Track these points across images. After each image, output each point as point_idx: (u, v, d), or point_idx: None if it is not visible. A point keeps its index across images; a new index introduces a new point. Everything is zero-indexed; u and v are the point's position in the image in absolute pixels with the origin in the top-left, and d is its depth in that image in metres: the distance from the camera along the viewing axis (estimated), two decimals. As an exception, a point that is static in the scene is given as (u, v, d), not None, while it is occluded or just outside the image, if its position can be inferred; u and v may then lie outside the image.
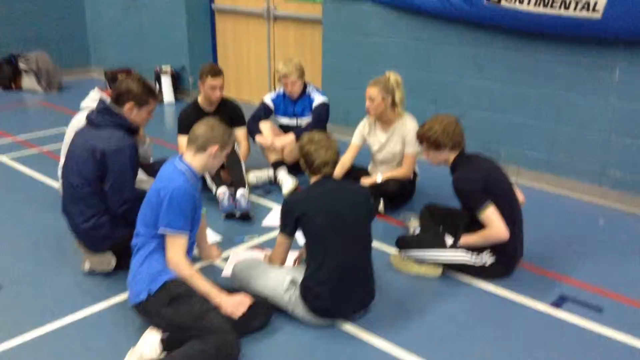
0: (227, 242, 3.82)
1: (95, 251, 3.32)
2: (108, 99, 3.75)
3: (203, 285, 2.80)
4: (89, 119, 3.30)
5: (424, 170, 4.55)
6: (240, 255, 3.62)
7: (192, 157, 2.96)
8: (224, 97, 4.72)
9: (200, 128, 2.98)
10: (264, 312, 2.90)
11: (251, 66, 7.46)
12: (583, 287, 3.35)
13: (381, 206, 4.22)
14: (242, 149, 4.76)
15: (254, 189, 4.70)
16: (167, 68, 7.59)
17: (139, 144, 4.18)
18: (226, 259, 3.58)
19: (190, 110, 4.64)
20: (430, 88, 5.36)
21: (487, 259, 3.32)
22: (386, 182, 4.20)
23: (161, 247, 2.84)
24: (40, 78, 8.01)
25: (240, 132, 4.82)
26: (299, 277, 2.96)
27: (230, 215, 4.17)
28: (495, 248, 3.30)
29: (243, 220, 4.14)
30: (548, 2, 4.26)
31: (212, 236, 3.84)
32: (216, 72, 4.51)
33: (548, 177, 4.84)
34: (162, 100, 7.44)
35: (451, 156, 3.37)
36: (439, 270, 3.42)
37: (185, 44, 7.56)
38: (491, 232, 3.22)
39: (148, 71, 7.63)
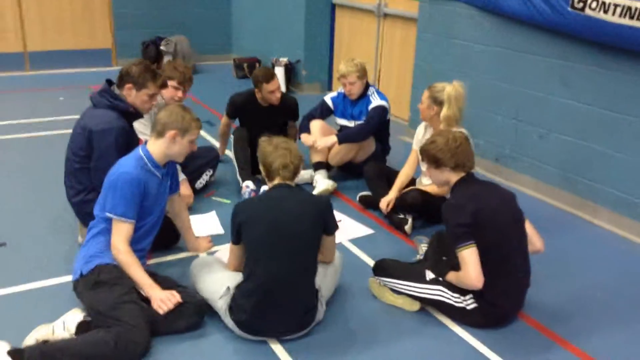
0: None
1: (85, 225, 3.47)
2: None
3: (138, 274, 2.78)
4: (90, 98, 3.44)
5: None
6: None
7: (152, 143, 2.95)
8: (281, 93, 4.68)
9: (161, 113, 2.95)
10: (193, 313, 2.79)
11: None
12: None
13: (408, 226, 3.87)
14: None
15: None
16: (282, 60, 7.72)
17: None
18: (213, 253, 3.53)
19: (245, 96, 4.65)
20: (512, 101, 4.77)
21: (469, 302, 2.86)
22: (407, 192, 3.84)
23: (107, 231, 2.87)
24: (176, 60, 8.62)
25: (292, 128, 4.73)
26: (239, 286, 2.80)
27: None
28: (479, 294, 2.83)
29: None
30: (635, 13, 3.52)
31: (215, 228, 3.82)
32: (270, 76, 4.45)
33: (628, 222, 4.03)
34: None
35: (453, 178, 2.95)
36: (415, 306, 3.03)
37: (302, 37, 7.62)
38: (463, 275, 2.77)
39: (268, 62, 7.85)
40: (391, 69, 6.70)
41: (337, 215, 4.05)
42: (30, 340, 2.57)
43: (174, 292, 2.77)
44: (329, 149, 4.53)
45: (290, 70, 7.75)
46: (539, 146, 4.59)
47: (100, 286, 2.71)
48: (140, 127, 3.87)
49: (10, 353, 2.45)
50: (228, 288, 2.78)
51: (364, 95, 4.61)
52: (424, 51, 5.64)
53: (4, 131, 5.73)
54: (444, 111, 3.69)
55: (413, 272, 3.02)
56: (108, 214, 2.82)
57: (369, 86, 4.66)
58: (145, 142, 3.00)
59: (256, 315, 2.68)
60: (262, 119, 4.54)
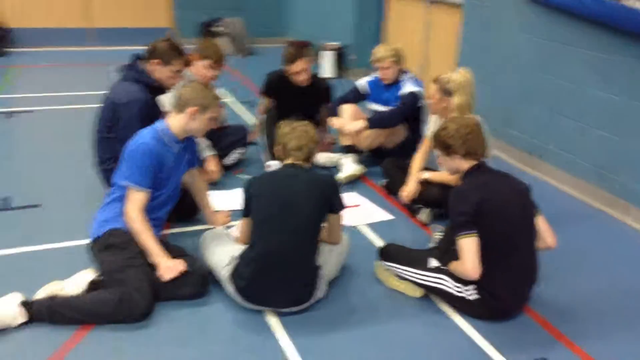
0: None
1: (111, 192, 3.64)
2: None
3: (148, 242, 2.89)
4: (119, 71, 3.58)
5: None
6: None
7: (173, 118, 3.05)
8: (315, 74, 4.71)
9: (184, 89, 3.05)
10: (196, 282, 2.89)
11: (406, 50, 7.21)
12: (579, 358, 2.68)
13: (425, 216, 3.85)
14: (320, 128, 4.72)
15: (321, 169, 4.62)
16: (332, 44, 7.74)
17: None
18: (230, 227, 3.62)
19: (278, 76, 4.70)
20: (551, 94, 4.63)
21: (471, 292, 2.83)
22: (430, 188, 3.80)
23: (123, 198, 2.99)
24: (231, 42, 8.78)
25: (323, 111, 4.76)
26: (245, 255, 2.89)
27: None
28: (480, 285, 2.79)
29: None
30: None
31: (236, 204, 3.90)
32: (292, 58, 4.44)
33: (662, 223, 3.88)
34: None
35: (464, 165, 2.91)
36: (418, 292, 3.02)
37: (351, 22, 7.61)
38: (460, 264, 2.74)
39: (316, 46, 7.90)
40: (438, 56, 6.61)
41: (358, 199, 4.13)
42: (41, 294, 2.74)
43: (180, 261, 2.88)
44: (359, 133, 4.54)
45: (339, 55, 7.76)
46: (575, 141, 4.44)
47: (110, 249, 2.86)
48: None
49: (22, 304, 2.63)
50: (232, 257, 2.87)
51: (398, 81, 4.58)
52: (469, 39, 5.54)
53: (59, 102, 6.05)
54: (456, 100, 3.62)
55: (417, 259, 3.01)
56: (124, 182, 2.95)
57: (404, 72, 4.63)
58: (165, 117, 3.10)
59: (254, 283, 2.76)
60: (293, 99, 4.59)
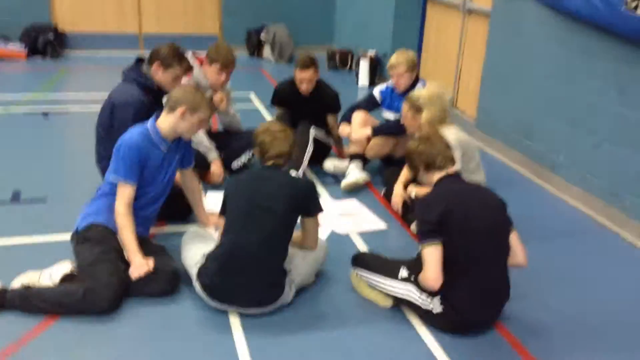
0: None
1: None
2: (198, 65, 4.19)
3: (126, 238, 2.98)
4: (122, 73, 3.72)
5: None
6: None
7: (163, 118, 3.14)
8: (323, 83, 4.73)
9: (174, 91, 3.14)
10: (164, 281, 2.95)
11: (440, 58, 7.13)
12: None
13: (414, 226, 3.78)
14: (333, 136, 4.74)
15: (327, 176, 4.63)
16: (368, 52, 7.71)
17: (222, 115, 4.52)
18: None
19: (287, 85, 4.76)
20: (569, 106, 4.45)
21: (436, 305, 2.76)
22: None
23: (110, 193, 3.10)
24: (274, 49, 8.91)
25: (331, 119, 4.77)
26: (216, 253, 2.93)
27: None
28: (445, 297, 2.72)
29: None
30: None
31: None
32: (305, 65, 4.51)
33: (674, 245, 3.63)
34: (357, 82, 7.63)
35: (432, 178, 2.88)
36: (388, 302, 2.97)
37: (390, 31, 7.57)
38: (422, 274, 2.67)
39: (358, 54, 7.91)
40: (472, 66, 6.46)
41: (356, 207, 4.11)
42: (17, 283, 2.88)
43: (150, 259, 2.96)
44: (366, 141, 4.51)
45: (375, 64, 7.73)
46: (591, 156, 4.24)
47: (86, 242, 2.97)
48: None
49: (-3, 291, 2.77)
50: (204, 255, 2.92)
51: (411, 89, 4.52)
52: (494, 49, 5.41)
53: (96, 103, 6.29)
54: (424, 115, 3.59)
55: (388, 269, 2.96)
56: (111, 177, 3.07)
57: (418, 80, 4.57)
58: (156, 116, 3.18)
59: (218, 280, 2.80)
60: (301, 107, 4.63)
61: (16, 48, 8.25)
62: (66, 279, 2.93)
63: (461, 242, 2.65)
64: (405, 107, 3.76)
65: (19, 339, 2.62)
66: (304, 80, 4.52)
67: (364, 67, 7.67)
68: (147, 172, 3.13)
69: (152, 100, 3.63)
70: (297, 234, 3.06)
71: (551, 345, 2.79)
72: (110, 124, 3.57)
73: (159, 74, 3.61)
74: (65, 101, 6.41)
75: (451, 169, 2.86)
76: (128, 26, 9.11)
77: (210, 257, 2.85)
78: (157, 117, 3.16)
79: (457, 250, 2.65)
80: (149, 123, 3.15)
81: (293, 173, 4.24)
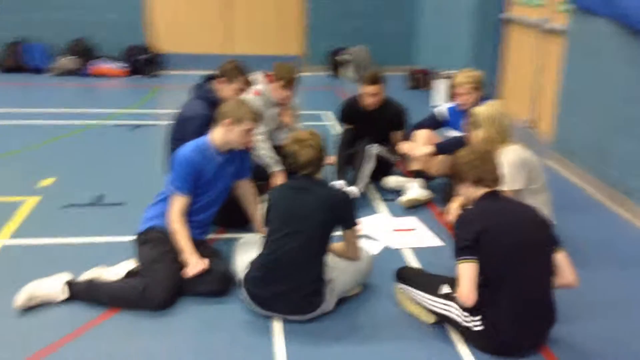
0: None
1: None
2: (263, 84, 4.42)
3: (181, 242, 3.19)
4: (191, 89, 3.98)
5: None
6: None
7: (214, 131, 3.35)
8: (390, 100, 4.81)
9: (223, 104, 3.34)
10: (215, 281, 3.13)
11: (518, 79, 7.01)
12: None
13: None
14: (397, 153, 4.78)
15: (388, 193, 4.68)
16: (445, 73, 7.69)
17: (282, 131, 4.69)
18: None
19: (352, 102, 4.88)
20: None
21: (476, 324, 2.74)
22: None
23: (166, 199, 3.33)
24: (354, 69, 9.07)
25: (395, 136, 4.82)
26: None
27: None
28: (485, 315, 2.70)
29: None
30: None
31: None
32: (372, 81, 4.62)
33: None
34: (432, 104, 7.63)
35: (475, 193, 2.88)
36: (431, 318, 2.98)
37: (469, 52, 7.52)
38: (457, 290, 2.67)
39: (436, 75, 7.92)
40: (549, 86, 6.30)
41: (413, 223, 4.12)
42: (84, 276, 3.15)
43: (205, 260, 3.14)
44: (429, 158, 4.52)
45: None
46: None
47: (147, 243, 3.20)
48: None
49: (67, 283, 3.05)
50: (250, 262, 3.07)
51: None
52: (571, 69, 5.27)
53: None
54: (480, 134, 3.52)
55: (430, 284, 2.97)
56: (169, 187, 3.30)
57: (484, 99, 4.54)
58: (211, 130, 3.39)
59: (260, 287, 2.93)
60: (367, 123, 4.72)
61: (117, 66, 8.92)
62: (129, 276, 3.17)
63: (498, 260, 2.64)
64: (465, 122, 3.73)
65: (81, 326, 2.88)
66: (368, 94, 4.62)
67: (439, 87, 7.65)
68: (202, 182, 3.32)
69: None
70: (341, 244, 3.14)
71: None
72: (180, 137, 3.82)
73: (223, 89, 3.84)
74: (153, 116, 6.86)
75: (495, 187, 2.85)
76: (219, 47, 9.59)
77: (254, 266, 2.99)
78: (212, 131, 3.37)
79: (495, 268, 2.64)
80: (203, 137, 3.36)
81: (353, 189, 4.34)
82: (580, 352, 2.82)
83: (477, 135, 3.58)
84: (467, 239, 2.66)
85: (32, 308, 2.97)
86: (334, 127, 6.44)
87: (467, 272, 2.63)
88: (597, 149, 4.85)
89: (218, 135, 3.32)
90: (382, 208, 4.43)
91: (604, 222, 4.37)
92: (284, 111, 4.60)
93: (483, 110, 3.62)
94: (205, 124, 3.72)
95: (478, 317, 2.73)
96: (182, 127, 3.79)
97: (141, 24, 9.26)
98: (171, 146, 3.92)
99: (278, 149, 4.63)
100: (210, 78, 3.99)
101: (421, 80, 8.60)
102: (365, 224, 4.08)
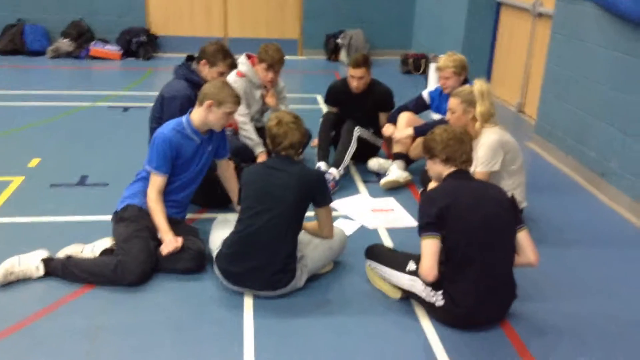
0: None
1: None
2: (247, 65, 4.45)
3: (158, 220, 3.26)
4: (173, 69, 4.02)
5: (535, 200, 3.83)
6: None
7: (195, 111, 3.40)
8: (376, 82, 4.84)
9: (206, 85, 3.38)
10: (190, 259, 3.20)
11: (510, 63, 7.02)
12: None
13: None
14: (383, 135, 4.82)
15: (370, 174, 4.74)
16: (440, 57, 7.68)
17: (272, 111, 4.73)
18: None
19: (339, 85, 4.91)
20: (624, 113, 4.28)
21: (438, 298, 2.81)
22: None
23: (146, 178, 3.40)
24: (350, 53, 9.08)
25: (382, 118, 4.86)
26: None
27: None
28: (446, 290, 2.77)
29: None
30: None
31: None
32: (357, 64, 4.64)
33: None
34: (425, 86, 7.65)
35: (444, 171, 2.94)
36: (397, 294, 3.05)
37: (462, 35, 7.52)
38: (419, 265, 2.74)
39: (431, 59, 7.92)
40: (539, 70, 6.32)
41: (391, 204, 4.18)
42: (61, 253, 3.23)
43: (178, 239, 3.21)
44: (410, 141, 4.57)
45: (446, 68, 7.69)
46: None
47: (123, 221, 3.27)
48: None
49: (43, 260, 3.13)
50: (223, 240, 3.14)
51: (459, 92, 4.54)
52: (555, 53, 5.29)
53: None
54: (478, 108, 3.56)
55: (397, 261, 3.03)
56: (146, 166, 3.37)
57: (467, 82, 4.57)
58: (191, 110, 3.43)
59: (232, 264, 3.01)
60: (353, 105, 4.76)
61: (112, 49, 8.96)
62: (105, 253, 3.25)
63: (460, 237, 2.70)
64: (454, 101, 3.66)
65: (56, 300, 2.96)
66: (354, 77, 4.66)
67: (433, 71, 7.65)
68: (180, 162, 3.38)
69: (198, 95, 3.90)
70: (315, 222, 3.21)
71: (556, 348, 2.76)
72: (160, 116, 3.88)
73: (205, 71, 3.88)
74: (145, 98, 6.90)
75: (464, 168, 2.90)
76: (214, 31, 9.60)
77: (226, 243, 3.06)
78: (191, 111, 3.42)
79: (457, 244, 2.71)
80: (183, 117, 3.41)
81: (334, 170, 4.39)
82: (540, 328, 2.89)
83: (471, 112, 3.61)
84: (430, 214, 2.72)
85: (10, 284, 3.06)
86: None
87: (430, 248, 2.70)
88: (577, 132, 4.88)
89: (198, 116, 3.37)
90: (362, 189, 4.49)
91: (579, 203, 4.42)
92: (268, 93, 4.64)
93: (476, 87, 3.63)
94: (185, 104, 3.77)
95: (439, 292, 2.80)
96: (162, 107, 3.84)
97: (138, 7, 9.28)
98: (152, 125, 3.97)
99: (261, 131, 4.71)
100: (191, 58, 4.03)
101: (414, 64, 8.60)
102: (344, 204, 4.16)
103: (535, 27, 6.38)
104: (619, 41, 4.33)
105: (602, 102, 4.55)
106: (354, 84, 4.69)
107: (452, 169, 2.89)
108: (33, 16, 8.98)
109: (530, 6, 6.39)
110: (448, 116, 3.77)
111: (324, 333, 2.81)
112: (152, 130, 3.97)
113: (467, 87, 3.70)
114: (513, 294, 2.84)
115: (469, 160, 2.93)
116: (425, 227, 2.73)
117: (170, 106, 3.79)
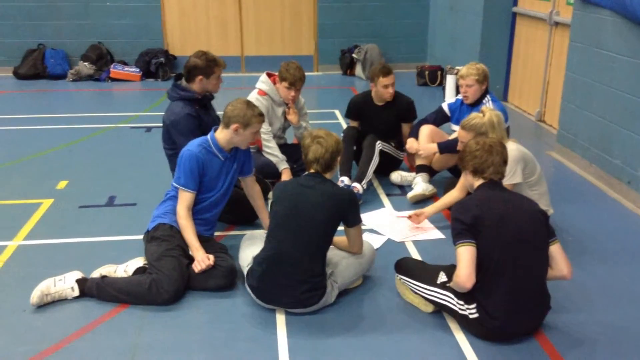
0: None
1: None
2: (270, 84, 4.50)
3: (188, 237, 3.31)
4: (167, 94, 4.08)
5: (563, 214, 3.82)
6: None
7: (220, 131, 3.46)
8: (399, 93, 4.88)
9: (228, 107, 3.44)
10: (221, 276, 3.24)
11: (527, 72, 7.02)
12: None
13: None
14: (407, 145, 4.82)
15: (393, 188, 4.75)
16: (455, 68, 7.71)
17: (294, 128, 4.77)
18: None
19: (361, 99, 4.95)
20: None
21: (472, 311, 2.81)
22: None
23: (175, 197, 3.45)
24: (365, 67, 9.14)
25: (405, 129, 4.88)
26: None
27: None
28: (480, 303, 2.77)
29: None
30: None
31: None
32: (387, 71, 4.71)
33: None
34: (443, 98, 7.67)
35: (475, 183, 2.95)
36: (429, 307, 3.05)
37: (478, 46, 7.54)
38: (455, 273, 2.74)
39: (447, 71, 7.95)
40: (558, 79, 6.31)
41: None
42: (95, 273, 3.28)
43: (210, 256, 3.25)
44: (434, 154, 4.59)
45: (463, 79, 7.71)
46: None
47: (154, 240, 3.32)
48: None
49: (77, 281, 3.18)
50: (253, 257, 3.17)
51: (479, 102, 4.56)
52: (574, 61, 5.29)
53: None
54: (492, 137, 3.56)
55: (427, 274, 3.04)
56: (174, 184, 3.42)
57: (487, 93, 4.59)
58: (215, 129, 3.50)
59: (262, 282, 3.03)
60: (376, 117, 4.80)
61: (132, 71, 9.09)
62: (138, 272, 3.29)
63: (493, 249, 2.70)
64: (466, 136, 3.57)
65: (94, 320, 3.01)
66: (388, 85, 4.71)
67: (450, 82, 7.68)
68: (207, 180, 3.43)
69: (198, 108, 3.96)
70: (344, 238, 3.23)
71: (593, 358, 2.74)
72: (172, 142, 3.94)
73: (204, 84, 3.94)
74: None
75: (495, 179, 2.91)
76: (231, 49, 9.71)
77: (256, 261, 3.09)
78: (216, 129, 3.47)
79: (490, 255, 2.71)
80: (209, 135, 3.47)
81: (357, 184, 4.42)
82: (575, 338, 2.87)
83: None
84: (465, 222, 2.73)
85: (47, 305, 3.11)
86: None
87: (466, 255, 2.70)
88: (599, 140, 4.87)
89: (223, 136, 3.42)
90: (386, 202, 4.50)
91: (606, 212, 4.40)
92: (290, 110, 4.69)
93: (487, 116, 3.61)
94: (190, 121, 3.85)
95: (473, 305, 2.81)
96: (170, 133, 3.92)
97: (155, 29, 9.42)
98: (167, 152, 4.05)
99: (284, 148, 4.76)
100: (179, 77, 4.08)
101: (431, 77, 8.62)
102: (369, 218, 4.17)
103: (552, 36, 6.39)
104: (638, 47, 4.32)
105: (624, 110, 4.54)
106: (390, 91, 4.73)
107: (483, 180, 2.90)
108: (53, 41, 9.17)
109: (547, 15, 6.40)
110: (459, 147, 3.75)
111: (357, 350, 2.81)
112: (169, 156, 4.05)
113: (477, 118, 3.64)
114: (547, 306, 2.84)
115: (499, 172, 2.94)
116: (461, 234, 2.74)
117: (177, 129, 3.87)
